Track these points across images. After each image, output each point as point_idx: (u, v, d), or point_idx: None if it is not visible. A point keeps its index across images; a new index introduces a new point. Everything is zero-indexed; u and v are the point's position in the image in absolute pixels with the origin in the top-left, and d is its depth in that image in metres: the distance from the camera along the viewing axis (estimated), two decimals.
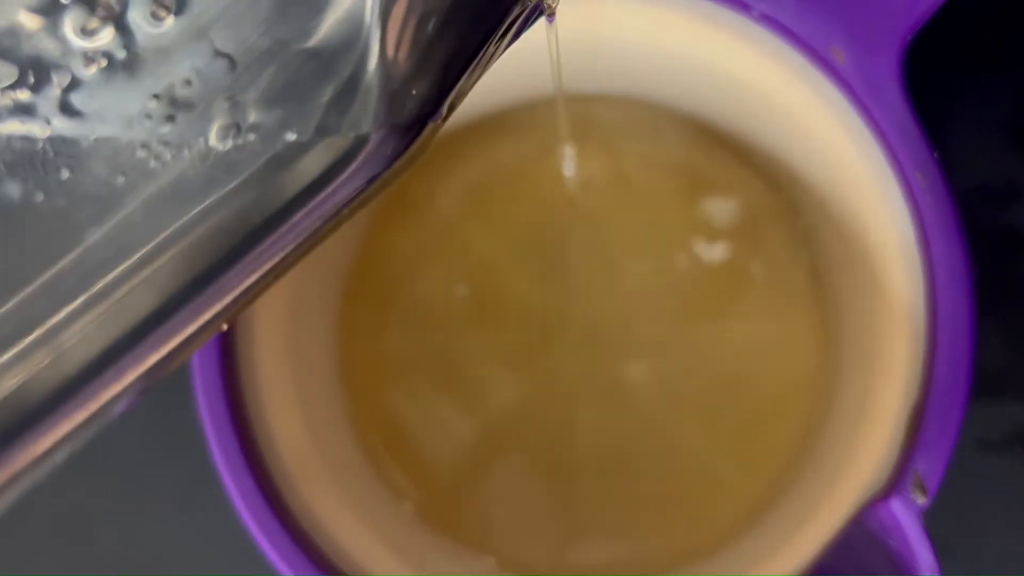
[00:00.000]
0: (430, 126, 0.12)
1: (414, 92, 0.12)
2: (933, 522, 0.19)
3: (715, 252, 0.27)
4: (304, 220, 0.12)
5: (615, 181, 0.27)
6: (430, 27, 0.12)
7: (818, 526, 0.21)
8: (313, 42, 0.11)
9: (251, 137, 0.11)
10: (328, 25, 0.11)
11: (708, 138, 0.27)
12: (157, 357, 0.12)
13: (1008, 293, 0.28)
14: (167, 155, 0.11)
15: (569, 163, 0.27)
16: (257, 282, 0.12)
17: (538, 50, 0.24)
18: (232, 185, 0.11)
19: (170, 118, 0.11)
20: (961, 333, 0.20)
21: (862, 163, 0.22)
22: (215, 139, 0.11)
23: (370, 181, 0.12)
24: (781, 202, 0.27)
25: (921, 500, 0.19)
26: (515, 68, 0.24)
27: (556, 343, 0.26)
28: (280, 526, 0.21)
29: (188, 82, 0.11)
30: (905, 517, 0.19)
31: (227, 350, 0.22)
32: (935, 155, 0.21)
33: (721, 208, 0.27)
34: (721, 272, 0.26)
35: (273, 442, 0.22)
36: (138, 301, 0.11)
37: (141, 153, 0.11)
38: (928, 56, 0.28)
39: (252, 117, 0.11)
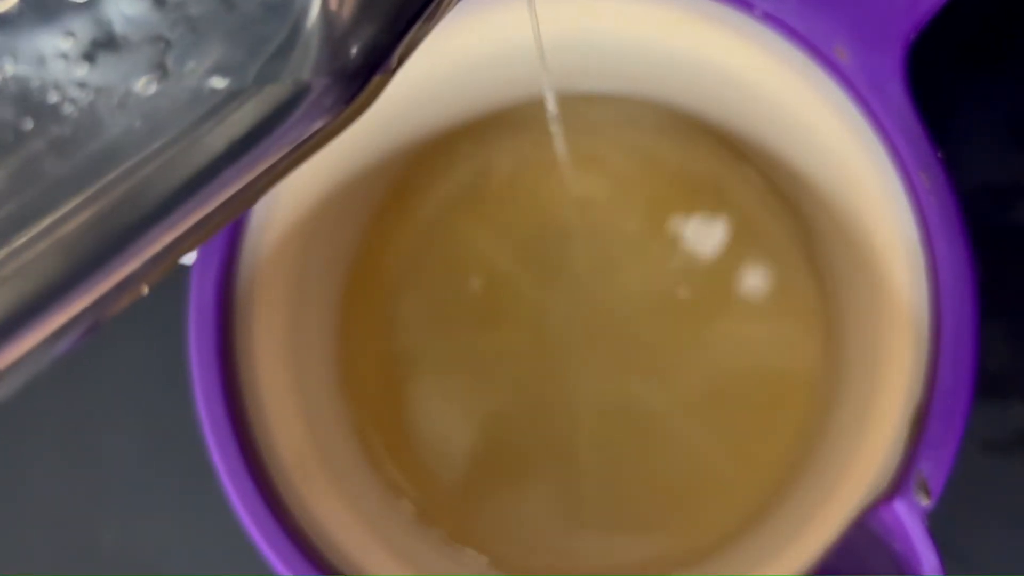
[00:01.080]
0: (377, 78, 0.11)
1: (359, 40, 0.11)
2: (937, 524, 0.19)
3: (717, 252, 0.27)
4: (238, 175, 0.11)
5: (616, 181, 0.27)
6: None
7: (821, 527, 0.21)
8: None
9: (180, 83, 0.10)
10: None
11: (710, 137, 0.27)
12: (65, 319, 0.11)
13: (1013, 294, 0.28)
14: (84, 99, 0.10)
15: (570, 163, 0.27)
16: (184, 237, 0.11)
17: (537, 49, 0.24)
18: (158, 135, 0.10)
19: (88, 58, 0.10)
20: (965, 333, 0.20)
21: (865, 163, 0.22)
22: (141, 85, 0.10)
23: (311, 135, 0.11)
24: (783, 202, 0.27)
25: (925, 502, 0.19)
26: (515, 67, 0.24)
27: (557, 343, 0.26)
28: (278, 527, 0.21)
29: (110, 20, 0.10)
30: (909, 519, 0.19)
31: (226, 351, 0.22)
32: (938, 154, 0.21)
33: (723, 208, 0.27)
34: (723, 272, 0.26)
35: (272, 443, 0.22)
36: (46, 263, 0.10)
37: (54, 96, 0.10)
38: (931, 55, 0.28)
39: (181, 62, 0.10)
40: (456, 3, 0.12)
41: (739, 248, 0.27)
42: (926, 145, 0.21)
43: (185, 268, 0.21)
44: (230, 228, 0.22)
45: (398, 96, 0.24)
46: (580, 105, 0.27)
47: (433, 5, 0.12)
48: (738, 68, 0.23)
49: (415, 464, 0.26)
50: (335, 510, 0.23)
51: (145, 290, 0.12)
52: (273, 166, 0.11)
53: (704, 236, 0.27)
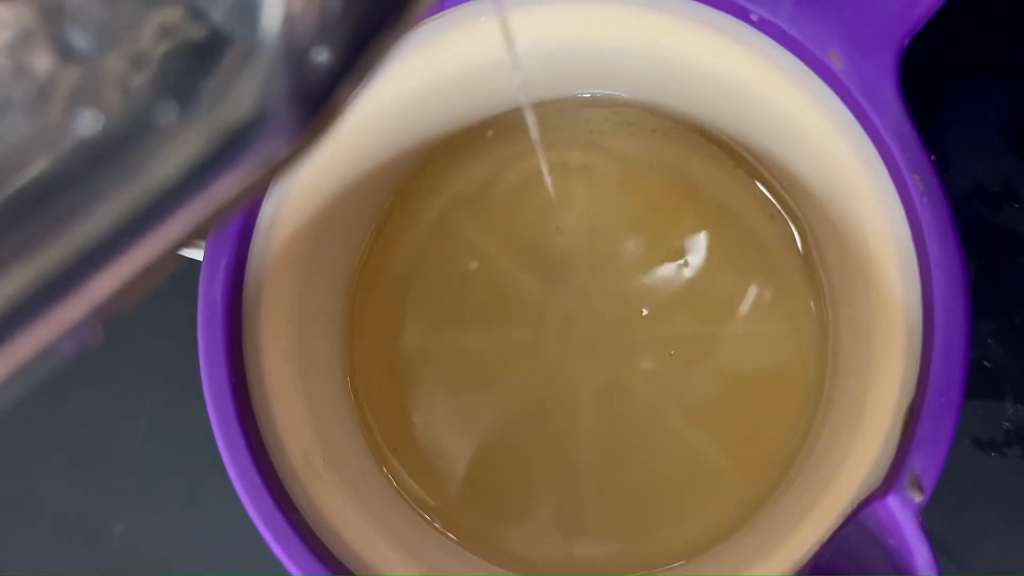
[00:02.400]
0: (335, 101, 0.10)
1: (318, 62, 0.10)
2: (930, 520, 0.19)
3: (714, 253, 0.27)
4: (186, 211, 0.10)
5: (615, 184, 0.27)
6: None
7: (815, 524, 0.21)
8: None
9: (118, 110, 0.09)
10: None
11: (706, 141, 0.27)
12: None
13: (1005, 294, 0.28)
14: (11, 135, 0.09)
15: (568, 167, 0.27)
16: (133, 280, 0.10)
17: (538, 53, 0.24)
18: (98, 170, 0.09)
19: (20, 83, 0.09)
20: (957, 333, 0.20)
21: (859, 166, 0.22)
22: (74, 114, 0.09)
23: (267, 163, 0.10)
24: (779, 204, 0.27)
25: (918, 498, 0.19)
26: (513, 73, 0.25)
27: (558, 344, 0.27)
28: (287, 525, 0.21)
29: (56, 43, 0.09)
30: (902, 515, 0.19)
31: (234, 350, 0.22)
32: (932, 158, 0.21)
33: (719, 211, 0.27)
34: (720, 273, 0.27)
35: (279, 440, 0.22)
36: None
37: None
38: (924, 59, 0.28)
39: (119, 86, 0.09)
40: (425, 15, 0.11)
41: (735, 250, 0.27)
42: (919, 148, 0.21)
43: (195, 267, 0.22)
44: (239, 228, 0.22)
45: (403, 100, 0.24)
46: (577, 110, 0.27)
47: (390, 27, 0.11)
48: (733, 73, 0.23)
49: (420, 462, 0.26)
50: (342, 507, 0.23)
51: (99, 336, 0.11)
52: (227, 197, 0.10)
53: (700, 239, 0.27)
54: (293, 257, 0.23)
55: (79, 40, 0.09)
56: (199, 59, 0.10)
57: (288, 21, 0.10)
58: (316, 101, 0.10)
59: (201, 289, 0.21)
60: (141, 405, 0.30)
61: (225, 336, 0.21)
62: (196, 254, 0.22)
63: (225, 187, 0.10)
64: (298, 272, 0.24)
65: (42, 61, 0.09)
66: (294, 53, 0.10)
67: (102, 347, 0.30)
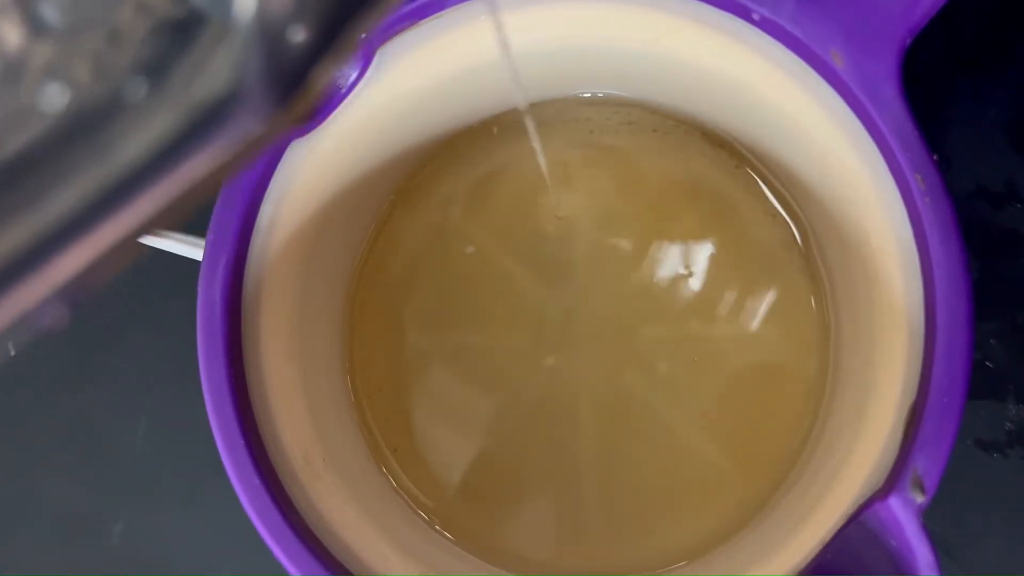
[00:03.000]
0: (313, 80, 0.10)
1: (295, 37, 0.10)
2: (932, 520, 0.19)
3: (715, 254, 0.27)
4: (160, 189, 0.10)
5: (616, 184, 0.27)
6: None
7: (817, 524, 0.21)
8: None
9: (93, 88, 0.09)
10: None
11: (708, 141, 0.27)
12: None
13: (1007, 294, 0.28)
14: None
15: (572, 165, 0.27)
16: (104, 258, 0.10)
17: (538, 52, 0.24)
18: (72, 146, 0.09)
19: None
20: (959, 333, 0.20)
21: (861, 165, 0.22)
22: (46, 92, 0.09)
23: (242, 142, 0.10)
24: (780, 204, 0.27)
25: (920, 499, 0.19)
26: (518, 70, 0.25)
27: (559, 344, 0.27)
28: (286, 525, 0.21)
29: (25, 17, 0.09)
30: (904, 515, 0.19)
31: (234, 350, 0.22)
32: (933, 157, 0.21)
33: (721, 210, 0.27)
34: (721, 273, 0.27)
35: (279, 441, 0.22)
36: None
37: None
38: (926, 59, 0.28)
39: (100, 63, 0.09)
40: (389, 11, 0.11)
41: (736, 250, 0.27)
42: (921, 148, 0.21)
43: (194, 267, 0.22)
44: (239, 227, 0.22)
45: (403, 100, 0.24)
46: (578, 109, 0.27)
47: (367, 8, 0.11)
48: (734, 72, 0.23)
49: (419, 463, 0.26)
50: (341, 508, 0.23)
51: (64, 319, 0.10)
52: (200, 177, 0.10)
53: (702, 239, 0.27)
54: (293, 257, 0.23)
55: (51, 15, 0.09)
56: (174, 37, 0.10)
57: (262, 5, 0.10)
58: (292, 80, 0.10)
59: (200, 289, 0.21)
60: (141, 405, 0.30)
61: (225, 336, 0.21)
62: (196, 254, 0.22)
63: (197, 166, 0.10)
64: (298, 272, 0.24)
65: (12, 35, 0.09)
66: (269, 32, 0.10)
67: (101, 347, 0.30)
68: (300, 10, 0.10)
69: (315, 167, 0.23)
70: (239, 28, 0.10)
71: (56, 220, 0.09)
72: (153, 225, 0.10)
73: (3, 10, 0.09)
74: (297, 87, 0.10)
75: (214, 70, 0.10)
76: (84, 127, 0.09)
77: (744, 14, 0.22)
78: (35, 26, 0.09)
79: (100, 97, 0.09)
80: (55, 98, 0.09)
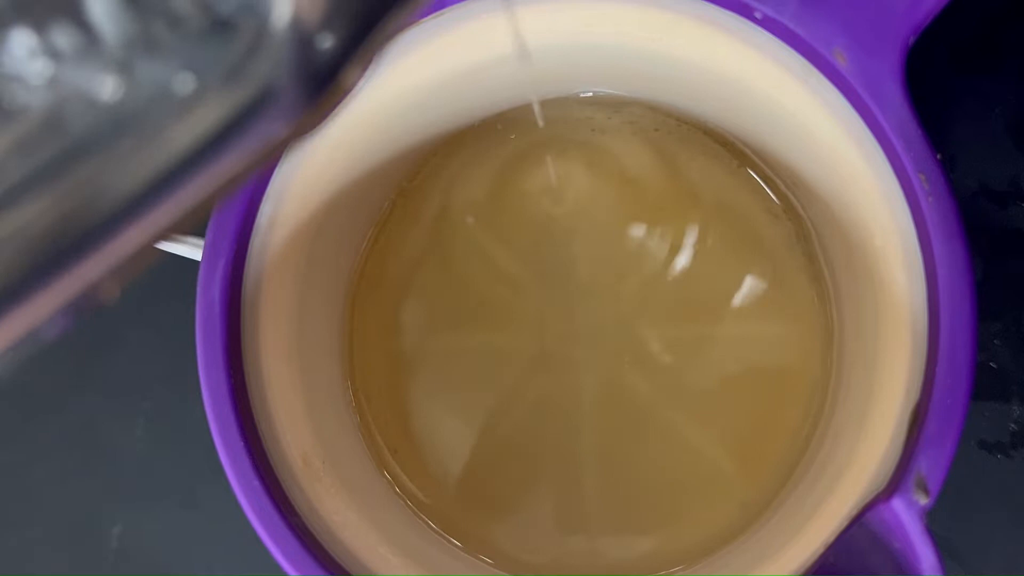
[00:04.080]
0: (342, 80, 0.11)
1: (327, 41, 0.11)
2: (935, 522, 0.19)
3: (717, 253, 0.27)
4: (199, 178, 0.11)
5: (618, 183, 0.27)
6: None
7: (820, 526, 0.21)
8: None
9: (146, 83, 0.10)
10: None
11: (711, 140, 0.27)
12: (15, 324, 0.10)
13: (1011, 294, 0.28)
14: (49, 98, 0.10)
15: (570, 166, 0.27)
16: (144, 241, 0.11)
17: (539, 51, 0.24)
18: (122, 135, 0.10)
19: (55, 57, 0.10)
20: (963, 333, 0.20)
21: (864, 165, 0.22)
22: (107, 84, 0.10)
23: (273, 138, 0.11)
24: (783, 203, 0.27)
25: (923, 500, 0.19)
26: (518, 70, 0.25)
27: (559, 344, 0.27)
28: (285, 527, 0.21)
29: (82, 19, 0.10)
30: (907, 517, 0.19)
31: (233, 350, 0.22)
32: (937, 156, 0.21)
33: (723, 209, 0.27)
34: (724, 272, 0.26)
35: (278, 442, 0.22)
36: (2, 260, 0.10)
37: (19, 94, 0.10)
38: (929, 57, 0.28)
39: (149, 61, 0.10)
40: (422, 5, 0.12)
41: (739, 249, 0.27)
42: (924, 147, 0.21)
43: (193, 267, 0.22)
44: (237, 227, 0.22)
45: (404, 98, 0.24)
46: (580, 108, 0.27)
47: (393, 16, 0.11)
48: (736, 71, 0.23)
49: (419, 463, 0.26)
50: (341, 510, 0.23)
51: (116, 292, 0.11)
52: (232, 170, 0.11)
53: (704, 238, 0.27)
54: (293, 257, 0.23)
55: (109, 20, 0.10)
56: (212, 39, 0.10)
57: (296, 15, 0.10)
58: (320, 82, 0.11)
59: (199, 289, 0.21)
60: (139, 406, 0.30)
61: (223, 337, 0.21)
62: (195, 254, 0.22)
63: (230, 162, 0.11)
64: (298, 272, 0.24)
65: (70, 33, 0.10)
66: (300, 40, 0.10)
67: (100, 348, 0.30)
68: (329, 20, 0.11)
69: (315, 166, 0.23)
70: (271, 37, 0.10)
71: (111, 205, 0.10)
72: (178, 227, 0.11)
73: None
74: (325, 89, 0.11)
75: (249, 71, 0.10)
76: (134, 116, 0.10)
77: (746, 12, 0.22)
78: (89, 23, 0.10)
79: (148, 89, 0.10)
80: (109, 88, 0.10)
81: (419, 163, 0.27)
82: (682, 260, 0.27)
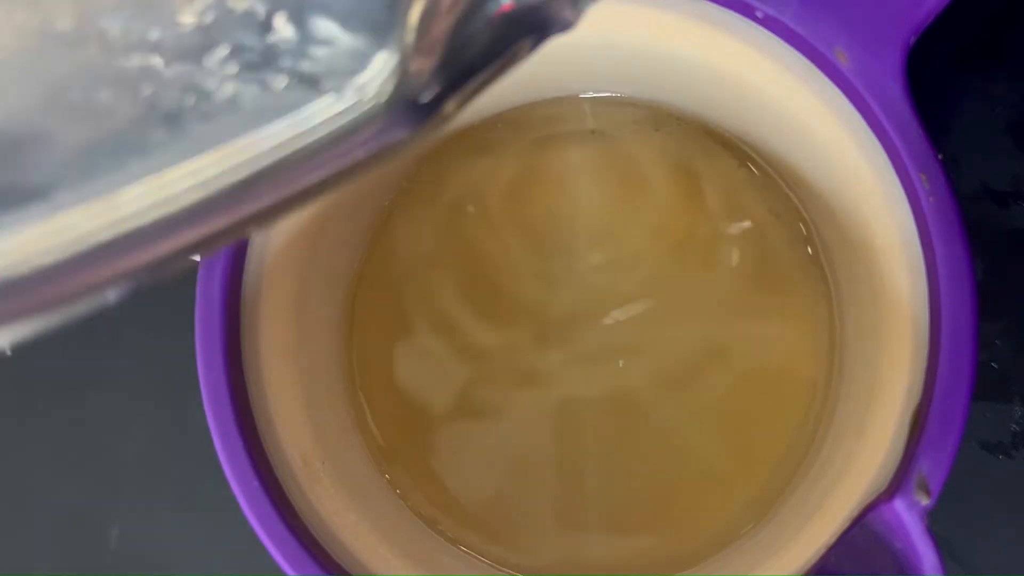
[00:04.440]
0: (445, 112, 0.13)
1: (427, 97, 0.13)
2: (937, 523, 0.19)
3: (718, 253, 0.27)
4: (312, 171, 0.13)
5: (620, 183, 0.27)
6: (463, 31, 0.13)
7: (821, 526, 0.21)
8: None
9: (297, 85, 0.13)
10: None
11: (712, 140, 0.27)
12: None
13: (1013, 294, 0.28)
14: (229, 88, 0.12)
15: (575, 164, 0.27)
16: (255, 214, 0.13)
17: (540, 51, 0.24)
18: (271, 119, 0.13)
19: (238, 62, 0.12)
20: (964, 334, 0.20)
21: (865, 165, 0.22)
22: (276, 82, 0.13)
23: (373, 151, 0.13)
24: (785, 203, 0.27)
25: (925, 501, 0.19)
26: (522, 68, 0.24)
27: (560, 343, 0.27)
28: (285, 528, 0.21)
29: (265, 42, 0.12)
30: (909, 517, 0.19)
31: (233, 350, 0.22)
32: (938, 156, 0.21)
33: (725, 210, 0.27)
34: (725, 273, 0.26)
35: (278, 443, 0.22)
36: (181, 195, 0.12)
37: (209, 83, 0.12)
38: (931, 57, 0.28)
39: (300, 70, 0.13)
40: (529, 54, 0.14)
41: (741, 249, 0.27)
42: (926, 147, 0.21)
43: (193, 266, 0.22)
44: None
45: None
46: (581, 108, 0.27)
47: (504, 57, 0.14)
48: (738, 71, 0.23)
49: (420, 464, 0.26)
50: (341, 510, 0.23)
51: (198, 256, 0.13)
52: (343, 167, 0.13)
53: (706, 238, 0.27)
54: (293, 257, 0.23)
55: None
56: (344, 57, 0.13)
57: (406, 67, 0.13)
58: (422, 117, 0.13)
59: (199, 289, 0.21)
60: (138, 407, 0.30)
61: (223, 337, 0.21)
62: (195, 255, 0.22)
63: (342, 158, 0.13)
64: (298, 272, 0.24)
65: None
66: (410, 83, 0.13)
67: (99, 348, 0.30)
68: (432, 81, 0.13)
69: None
70: (392, 59, 0.13)
71: (246, 171, 0.13)
72: (317, 191, 0.13)
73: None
74: (426, 121, 0.13)
75: (369, 88, 0.13)
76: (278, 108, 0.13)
77: (748, 12, 0.22)
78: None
79: (293, 91, 0.13)
80: (285, 86, 0.13)
81: (419, 163, 0.27)
82: (683, 260, 0.27)
